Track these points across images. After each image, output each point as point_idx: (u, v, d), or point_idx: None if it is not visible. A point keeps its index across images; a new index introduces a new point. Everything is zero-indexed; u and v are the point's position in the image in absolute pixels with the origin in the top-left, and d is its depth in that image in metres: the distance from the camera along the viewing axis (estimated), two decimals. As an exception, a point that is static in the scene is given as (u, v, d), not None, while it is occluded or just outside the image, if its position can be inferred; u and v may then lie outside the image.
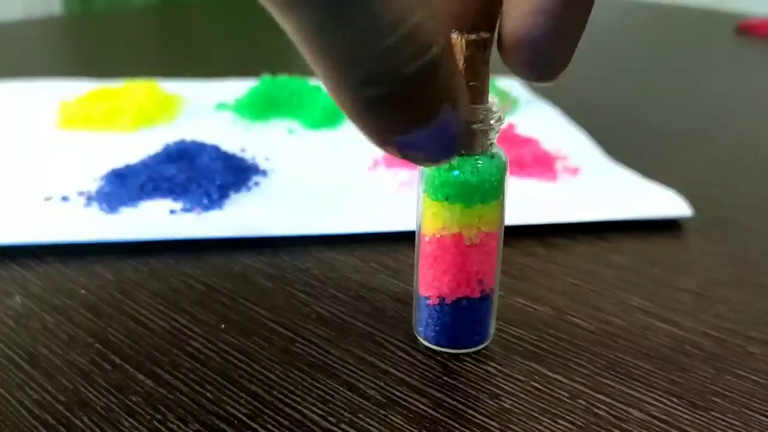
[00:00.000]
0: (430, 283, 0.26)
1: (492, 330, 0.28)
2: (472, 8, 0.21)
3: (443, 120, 0.18)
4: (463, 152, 0.24)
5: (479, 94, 0.23)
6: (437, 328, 0.27)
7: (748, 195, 0.43)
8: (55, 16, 1.35)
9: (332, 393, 0.25)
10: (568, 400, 0.25)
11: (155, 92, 0.54)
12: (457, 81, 0.18)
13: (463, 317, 0.26)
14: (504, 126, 0.46)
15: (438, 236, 0.25)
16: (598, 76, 0.73)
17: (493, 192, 0.25)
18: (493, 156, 0.25)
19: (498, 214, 0.26)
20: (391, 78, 0.16)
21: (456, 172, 0.24)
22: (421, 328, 0.27)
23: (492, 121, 0.24)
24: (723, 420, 0.24)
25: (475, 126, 0.23)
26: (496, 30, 0.21)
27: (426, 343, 0.27)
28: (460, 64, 0.22)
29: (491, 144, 0.25)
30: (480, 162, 0.24)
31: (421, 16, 0.16)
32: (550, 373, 0.26)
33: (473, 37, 0.22)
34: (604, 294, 0.32)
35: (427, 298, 0.27)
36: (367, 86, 0.17)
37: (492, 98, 0.24)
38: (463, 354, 0.27)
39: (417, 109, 0.17)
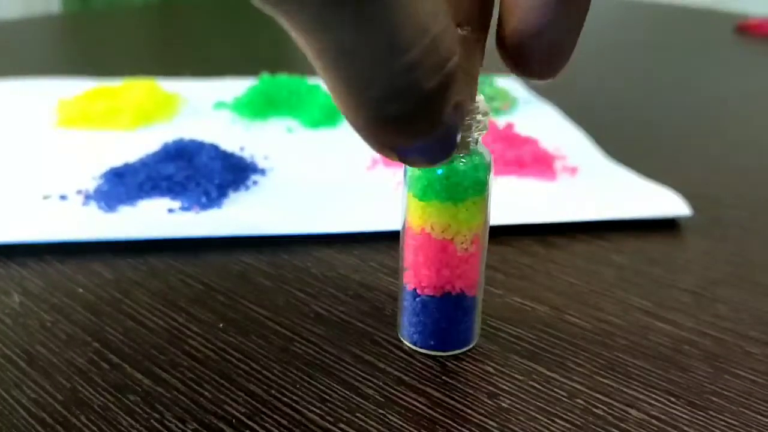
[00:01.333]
0: (413, 280, 0.26)
1: (477, 331, 0.27)
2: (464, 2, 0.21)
3: (447, 126, 0.17)
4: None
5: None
6: (420, 328, 0.27)
7: (747, 195, 0.43)
8: (54, 15, 1.35)
9: (330, 392, 0.25)
10: (566, 400, 0.25)
11: (154, 91, 0.54)
12: (471, 89, 0.17)
13: (446, 316, 0.26)
14: (503, 125, 0.47)
15: (421, 234, 0.25)
16: (597, 76, 0.73)
17: (477, 190, 0.25)
18: (476, 154, 0.25)
19: (482, 213, 0.25)
20: (412, 94, 0.16)
21: (439, 171, 0.24)
22: (404, 329, 0.27)
23: (477, 118, 0.23)
24: (721, 419, 0.24)
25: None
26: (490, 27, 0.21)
27: (410, 345, 0.27)
28: None
29: (476, 141, 0.25)
30: (463, 160, 0.24)
31: (442, 25, 0.16)
32: (548, 373, 0.26)
33: (464, 33, 0.21)
34: (603, 293, 0.32)
35: (411, 296, 0.26)
36: (386, 103, 0.16)
37: (478, 97, 0.23)
38: (460, 353, 0.27)
39: (427, 121, 0.17)
